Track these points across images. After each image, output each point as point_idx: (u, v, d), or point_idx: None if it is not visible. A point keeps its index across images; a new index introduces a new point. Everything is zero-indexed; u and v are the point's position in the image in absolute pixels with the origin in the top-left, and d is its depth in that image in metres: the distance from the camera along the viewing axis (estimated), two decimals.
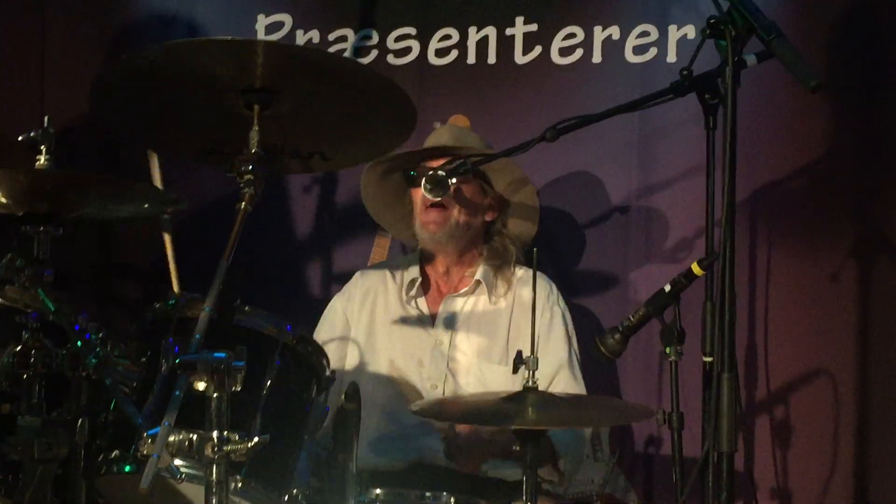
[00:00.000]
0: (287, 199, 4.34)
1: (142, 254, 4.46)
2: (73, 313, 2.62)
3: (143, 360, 2.71)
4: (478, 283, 3.67)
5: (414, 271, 3.72)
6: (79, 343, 2.58)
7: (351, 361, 3.69)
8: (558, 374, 3.61)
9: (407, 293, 3.70)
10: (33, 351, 2.63)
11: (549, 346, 3.63)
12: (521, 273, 3.70)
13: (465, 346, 3.64)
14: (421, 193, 3.41)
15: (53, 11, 4.59)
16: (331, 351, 3.64)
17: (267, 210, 2.82)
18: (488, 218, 3.70)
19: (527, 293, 2.92)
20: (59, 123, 2.79)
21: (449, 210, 3.58)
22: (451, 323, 3.65)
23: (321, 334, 3.73)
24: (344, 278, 4.06)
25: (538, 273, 3.68)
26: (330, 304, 3.83)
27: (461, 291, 3.69)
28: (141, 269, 4.47)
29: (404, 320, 3.68)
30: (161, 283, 4.23)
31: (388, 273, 3.78)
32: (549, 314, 3.67)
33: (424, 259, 3.75)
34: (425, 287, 3.73)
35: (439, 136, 3.77)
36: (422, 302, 3.71)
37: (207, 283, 2.58)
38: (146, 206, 3.06)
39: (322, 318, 3.82)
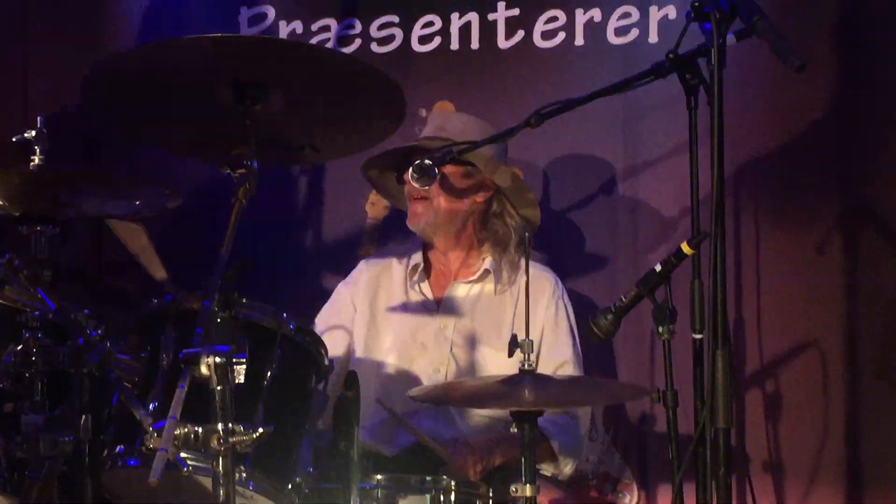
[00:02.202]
0: (276, 187, 4.35)
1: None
2: (73, 311, 2.64)
3: (143, 355, 2.73)
4: (486, 271, 3.69)
5: (417, 257, 3.74)
6: (80, 340, 2.60)
7: (355, 347, 3.72)
8: (562, 369, 3.65)
9: (411, 278, 3.72)
10: (35, 350, 2.66)
11: (556, 342, 3.68)
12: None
13: (469, 332, 3.66)
14: (407, 188, 3.48)
15: (35, 7, 4.58)
16: (336, 337, 3.68)
17: (256, 199, 2.83)
18: (479, 199, 3.69)
19: (532, 287, 2.97)
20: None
21: (431, 200, 3.60)
22: (455, 309, 3.68)
23: (327, 319, 3.77)
24: (336, 264, 4.09)
25: (543, 267, 3.75)
26: (336, 290, 3.86)
27: (469, 279, 3.71)
28: (134, 264, 4.48)
29: (408, 305, 3.71)
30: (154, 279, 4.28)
31: (393, 259, 3.80)
32: (555, 308, 3.71)
33: (426, 244, 3.78)
34: (428, 272, 3.76)
35: (439, 122, 3.79)
36: (426, 287, 3.73)
37: (201, 277, 2.61)
38: (138, 202, 3.08)
39: (328, 303, 3.84)
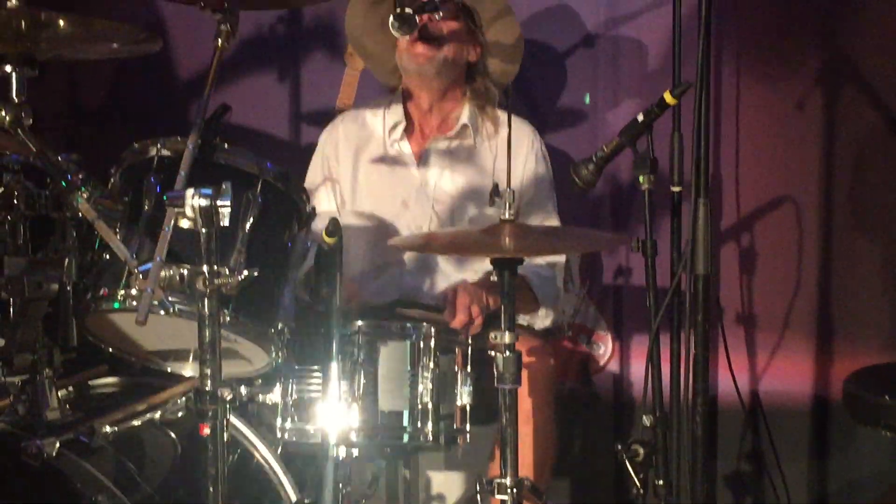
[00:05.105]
0: (254, 35, 4.30)
1: (107, 96, 4.45)
2: (54, 154, 2.63)
3: (126, 199, 2.72)
4: (464, 126, 3.66)
5: (398, 112, 3.69)
6: (63, 183, 2.59)
7: (337, 201, 3.71)
8: (542, 219, 3.67)
9: (390, 135, 3.69)
10: (16, 192, 2.65)
11: (536, 195, 3.69)
12: (503, 116, 3.69)
13: (450, 186, 3.66)
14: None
15: None
16: (322, 195, 3.70)
17: (235, 48, 2.81)
18: (472, 58, 3.66)
19: (512, 138, 2.96)
20: None
21: (440, 45, 3.55)
22: (436, 163, 3.67)
23: (313, 174, 3.76)
24: (313, 118, 4.07)
25: (521, 119, 3.73)
26: (319, 143, 3.81)
27: (448, 134, 3.69)
28: (106, 112, 4.46)
29: (388, 161, 3.69)
30: (128, 126, 4.26)
31: (370, 114, 3.75)
32: (535, 160, 3.71)
33: (406, 98, 3.73)
34: (409, 129, 3.71)
35: None
36: (405, 144, 3.69)
37: (182, 121, 2.59)
38: (115, 45, 3.04)
39: (315, 156, 3.81)
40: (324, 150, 3.78)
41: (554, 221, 3.71)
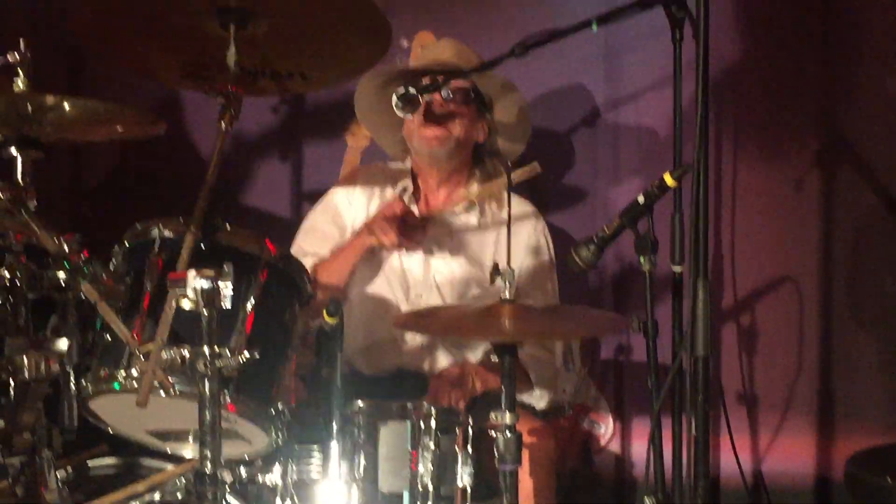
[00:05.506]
0: (256, 116, 4.34)
1: (111, 176, 4.48)
2: (57, 235, 2.64)
3: (128, 279, 2.73)
4: (470, 204, 3.69)
5: (406, 181, 3.73)
6: (66, 264, 2.60)
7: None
8: (542, 301, 3.67)
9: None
10: (18, 273, 2.65)
11: (536, 276, 3.71)
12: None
13: (453, 261, 3.67)
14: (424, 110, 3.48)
15: None
16: (324, 235, 3.72)
17: (238, 131, 2.84)
18: (480, 139, 3.71)
19: (513, 221, 3.00)
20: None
21: (450, 127, 3.60)
22: (439, 240, 3.68)
23: (316, 217, 3.79)
24: (315, 196, 4.08)
25: (524, 200, 3.76)
26: (330, 191, 3.83)
27: (453, 210, 3.71)
28: (110, 191, 4.48)
29: None
30: (131, 205, 4.28)
31: (384, 179, 3.78)
32: (536, 241, 3.73)
33: (415, 172, 3.77)
34: (417, 196, 3.74)
35: (439, 51, 3.76)
36: (413, 210, 3.70)
37: (186, 203, 2.62)
38: (120, 128, 3.07)
39: (319, 203, 3.83)
40: (334, 196, 3.80)
41: (554, 303, 3.71)
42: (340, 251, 3.59)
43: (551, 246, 3.77)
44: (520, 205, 3.70)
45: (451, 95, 3.55)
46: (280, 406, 2.79)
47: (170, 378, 2.48)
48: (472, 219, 3.72)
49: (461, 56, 3.66)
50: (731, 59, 4.06)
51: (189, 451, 2.95)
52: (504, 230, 3.64)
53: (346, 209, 3.77)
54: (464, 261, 3.67)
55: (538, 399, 3.71)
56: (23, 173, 2.69)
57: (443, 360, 3.62)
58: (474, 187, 3.70)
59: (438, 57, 3.69)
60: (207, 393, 2.36)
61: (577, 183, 4.25)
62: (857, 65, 4.08)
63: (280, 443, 2.80)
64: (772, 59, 4.13)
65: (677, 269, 3.10)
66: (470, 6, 4.30)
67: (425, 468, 2.81)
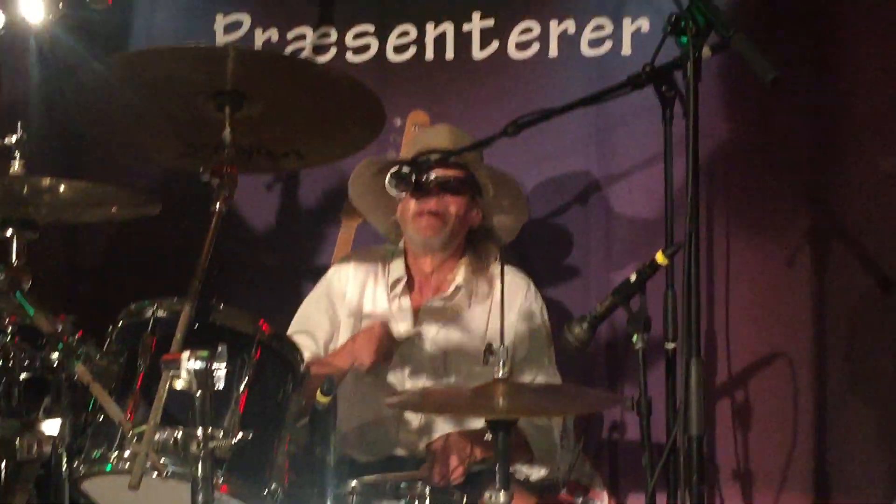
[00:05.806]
0: (251, 198, 4.36)
1: (106, 255, 4.49)
2: (51, 317, 2.65)
3: (121, 359, 2.73)
4: (458, 288, 3.71)
5: (399, 268, 3.76)
6: (59, 345, 2.60)
7: (338, 341, 3.74)
8: (537, 378, 3.69)
9: (392, 289, 3.74)
10: (12, 354, 2.66)
11: (531, 350, 3.72)
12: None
13: (445, 345, 3.69)
14: (414, 198, 3.50)
15: None
16: (317, 325, 3.74)
17: (232, 210, 2.86)
18: (474, 224, 3.76)
19: (506, 292, 3.02)
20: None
21: (444, 217, 3.63)
22: (431, 323, 3.71)
23: (310, 308, 3.81)
24: (310, 274, 4.10)
25: (516, 270, 3.78)
26: (325, 276, 3.86)
27: (442, 295, 3.73)
28: (106, 270, 4.49)
29: (388, 315, 3.73)
30: (126, 285, 4.28)
31: (378, 263, 3.81)
32: (529, 315, 3.75)
33: (409, 257, 3.80)
34: (410, 285, 3.77)
35: (434, 135, 3.80)
36: (406, 300, 3.74)
37: (180, 283, 2.63)
38: (114, 209, 3.10)
39: (315, 289, 3.86)
40: (330, 284, 3.82)
41: (551, 375, 3.71)
42: (323, 367, 3.58)
43: (545, 314, 3.79)
44: (512, 276, 3.71)
45: (447, 181, 3.58)
46: (273, 486, 2.77)
47: (162, 460, 2.47)
48: (463, 299, 3.73)
49: (456, 141, 3.68)
50: (721, 137, 4.10)
51: None
52: (496, 309, 3.65)
53: (339, 301, 3.79)
54: (456, 344, 3.69)
55: (536, 469, 3.69)
56: (17, 254, 2.70)
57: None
58: (461, 273, 3.72)
59: (432, 142, 3.72)
60: (200, 475, 2.35)
61: (571, 261, 4.26)
62: (848, 142, 4.11)
63: None
64: (762, 135, 4.16)
65: (670, 345, 3.11)
66: (463, 86, 4.35)
67: None
